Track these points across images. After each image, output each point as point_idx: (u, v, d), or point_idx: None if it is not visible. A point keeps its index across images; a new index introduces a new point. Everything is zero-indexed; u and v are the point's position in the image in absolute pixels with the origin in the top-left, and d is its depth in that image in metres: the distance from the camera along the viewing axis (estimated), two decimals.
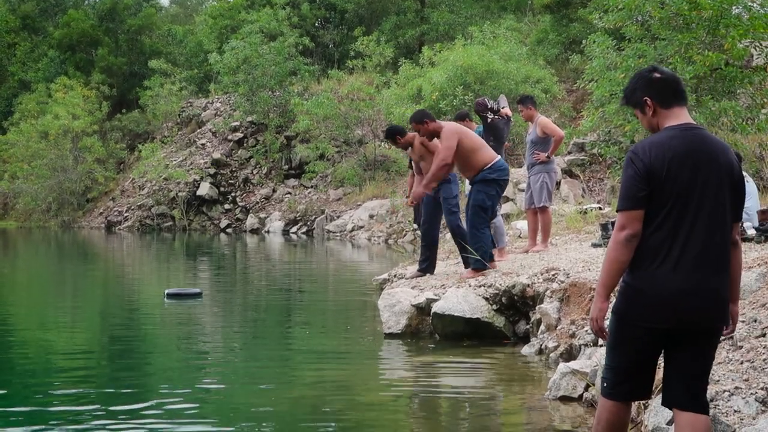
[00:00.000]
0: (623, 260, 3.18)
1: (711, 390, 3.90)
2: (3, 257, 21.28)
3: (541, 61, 25.43)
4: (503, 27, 27.80)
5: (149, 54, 41.50)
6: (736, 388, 4.01)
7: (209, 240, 26.47)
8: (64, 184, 35.67)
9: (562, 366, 5.41)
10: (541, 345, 6.73)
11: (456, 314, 7.34)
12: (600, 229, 9.48)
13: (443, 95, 22.59)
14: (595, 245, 9.14)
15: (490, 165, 8.05)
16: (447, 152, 7.90)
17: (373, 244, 21.86)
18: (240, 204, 31.57)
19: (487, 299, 7.47)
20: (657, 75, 3.29)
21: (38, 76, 40.63)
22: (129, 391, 5.95)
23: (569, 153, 19.31)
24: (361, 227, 24.46)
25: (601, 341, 5.41)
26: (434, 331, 7.60)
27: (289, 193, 30.72)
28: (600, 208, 13.02)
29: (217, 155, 32.52)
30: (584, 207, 13.19)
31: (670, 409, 3.35)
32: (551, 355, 6.37)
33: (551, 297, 6.98)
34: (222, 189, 31.95)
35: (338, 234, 25.18)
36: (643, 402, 4.18)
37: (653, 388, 3.50)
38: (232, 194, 31.93)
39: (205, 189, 31.65)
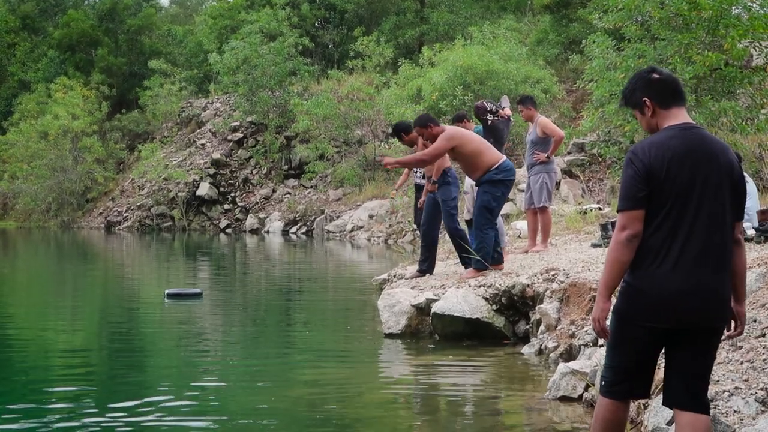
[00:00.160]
0: (624, 260, 3.18)
1: (711, 390, 3.90)
2: (3, 257, 21.28)
3: (540, 62, 25.43)
4: (503, 27, 27.80)
5: (149, 54, 41.51)
6: (736, 388, 4.01)
7: (209, 240, 26.47)
8: (63, 184, 35.67)
9: (562, 366, 5.41)
10: (540, 345, 6.73)
11: (456, 314, 7.34)
12: (600, 229, 9.48)
13: (443, 95, 22.59)
14: (594, 245, 9.14)
15: (496, 166, 8.03)
16: (432, 152, 7.93)
17: (373, 245, 21.86)
18: (240, 204, 31.57)
19: (486, 299, 7.47)
20: (656, 76, 3.30)
21: (38, 76, 40.63)
22: (128, 389, 5.95)
23: (569, 153, 19.32)
24: (361, 227, 24.47)
25: (601, 341, 5.42)
26: (434, 332, 7.60)
27: (289, 193, 30.72)
28: (600, 209, 13.03)
29: (216, 155, 32.53)
30: (584, 207, 13.20)
31: (671, 408, 3.35)
32: (551, 355, 6.37)
33: (551, 297, 6.98)
34: (222, 189, 31.96)
35: (338, 234, 25.18)
36: (643, 402, 4.18)
37: (653, 387, 3.50)
38: (232, 194, 31.93)
39: (204, 189, 31.66)
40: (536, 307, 7.18)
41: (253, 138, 33.24)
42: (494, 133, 9.67)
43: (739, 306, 3.35)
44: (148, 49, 42.42)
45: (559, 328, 6.60)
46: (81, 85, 38.27)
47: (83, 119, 36.04)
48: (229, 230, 30.45)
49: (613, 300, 3.32)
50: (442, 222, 8.81)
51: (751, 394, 3.92)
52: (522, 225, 12.42)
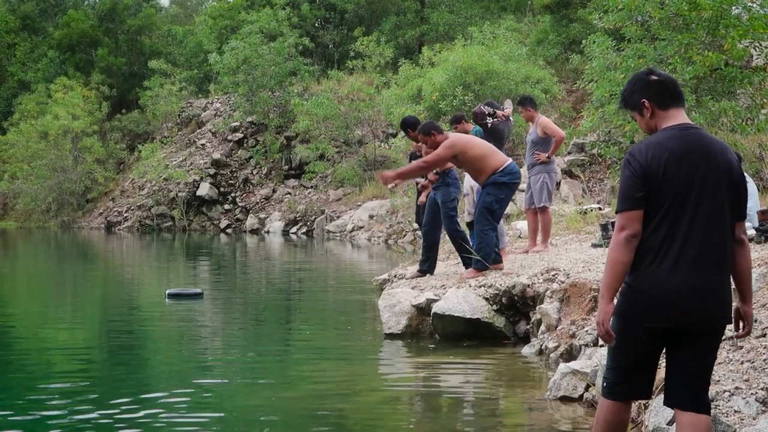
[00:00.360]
0: (624, 261, 3.19)
1: (711, 390, 3.90)
2: (3, 257, 21.28)
3: (540, 62, 25.42)
4: (503, 27, 27.80)
5: (149, 54, 41.53)
6: (737, 388, 4.01)
7: (209, 240, 26.48)
8: (63, 184, 35.68)
9: (563, 366, 5.41)
10: (541, 345, 6.73)
11: (456, 314, 7.34)
12: (600, 229, 9.48)
13: (443, 95, 22.58)
14: (595, 245, 9.14)
15: (501, 169, 8.02)
16: (434, 158, 7.89)
17: (373, 245, 21.86)
18: (240, 204, 31.58)
19: (487, 299, 7.48)
20: (654, 77, 3.31)
21: (38, 76, 40.64)
22: (129, 388, 5.95)
23: (569, 153, 19.32)
24: (361, 227, 24.47)
25: (601, 341, 5.42)
26: (434, 332, 7.60)
27: (289, 193, 30.73)
28: (600, 209, 13.02)
29: (216, 155, 32.54)
30: (584, 207, 13.20)
31: (672, 408, 3.36)
32: (551, 355, 6.37)
33: (551, 297, 6.98)
34: (222, 189, 31.97)
35: (338, 234, 25.18)
36: (644, 402, 4.19)
37: (654, 388, 3.50)
38: (232, 194, 31.94)
39: (204, 189, 31.67)
40: (537, 307, 7.18)
41: (253, 138, 33.25)
42: (495, 134, 9.68)
43: (746, 306, 3.34)
44: (148, 49, 42.43)
45: (559, 328, 6.60)
46: (81, 85, 38.29)
47: (83, 119, 36.06)
48: (229, 230, 30.45)
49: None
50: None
51: (752, 394, 3.93)
52: (522, 225, 12.42)
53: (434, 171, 8.55)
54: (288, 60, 32.12)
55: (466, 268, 8.44)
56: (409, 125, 9.32)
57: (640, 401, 4.19)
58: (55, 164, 35.87)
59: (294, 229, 28.10)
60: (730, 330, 3.62)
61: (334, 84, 31.60)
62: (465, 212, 9.99)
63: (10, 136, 37.58)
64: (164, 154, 34.05)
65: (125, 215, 32.76)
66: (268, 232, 28.61)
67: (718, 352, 4.31)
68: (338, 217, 26.56)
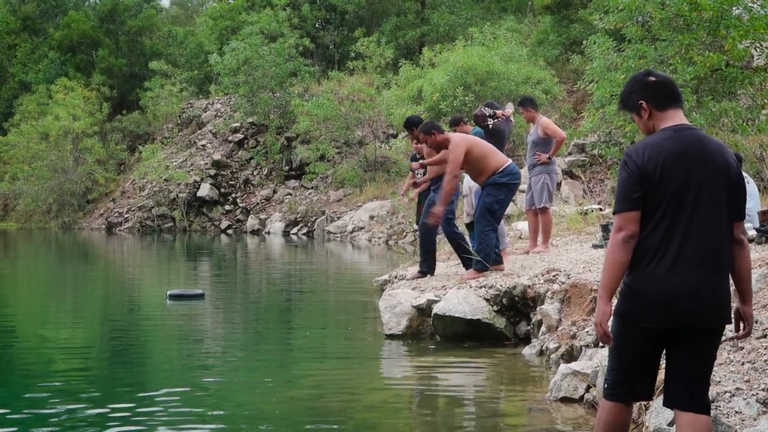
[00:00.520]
0: (622, 261, 3.19)
1: (712, 391, 3.90)
2: (4, 258, 21.29)
3: (541, 62, 25.42)
4: (503, 28, 27.79)
5: (150, 55, 41.55)
6: (737, 389, 4.01)
7: (210, 241, 26.48)
8: (64, 185, 35.70)
9: (563, 367, 5.41)
10: (542, 346, 6.73)
11: (457, 315, 7.34)
12: (601, 230, 9.48)
13: (444, 96, 22.59)
14: (595, 246, 9.14)
15: (501, 169, 8.05)
16: (454, 165, 7.90)
17: (374, 245, 21.86)
18: (240, 205, 31.59)
19: (487, 300, 7.47)
20: (652, 78, 3.32)
21: (39, 77, 40.67)
22: (129, 388, 5.96)
23: (570, 154, 19.32)
24: (362, 228, 24.47)
25: (601, 342, 5.42)
26: (435, 333, 7.60)
27: (290, 194, 30.74)
28: (600, 209, 13.02)
29: (217, 156, 32.55)
30: (585, 208, 13.19)
31: (671, 409, 3.36)
32: (552, 356, 6.37)
33: (552, 298, 6.98)
34: (222, 190, 31.98)
35: (338, 235, 25.19)
36: (645, 403, 4.18)
37: (654, 389, 3.50)
38: (233, 195, 31.95)
39: (205, 190, 31.68)
40: (537, 308, 7.18)
41: (253, 139, 33.26)
42: (496, 135, 9.68)
43: (746, 307, 3.34)
44: (149, 50, 42.46)
45: (560, 329, 6.60)
46: (82, 86, 38.32)
47: (84, 120, 36.08)
48: (229, 231, 30.46)
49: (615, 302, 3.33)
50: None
51: (753, 394, 3.92)
52: (523, 226, 12.42)
53: (420, 161, 8.68)
54: (288, 61, 32.14)
55: (466, 269, 8.44)
56: (413, 124, 9.31)
57: (641, 402, 4.19)
58: (56, 165, 35.89)
59: (294, 230, 28.10)
60: (730, 331, 3.62)
61: (335, 85, 31.61)
62: (464, 213, 9.99)
63: (11, 137, 37.61)
64: (165, 155, 34.07)
65: (126, 216, 32.77)
66: (268, 232, 28.62)
67: (719, 353, 4.32)
68: (339, 218, 26.56)
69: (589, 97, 16.32)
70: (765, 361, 4.30)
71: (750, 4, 12.61)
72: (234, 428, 4.97)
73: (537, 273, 7.70)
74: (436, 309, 7.48)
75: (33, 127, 36.50)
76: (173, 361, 7.39)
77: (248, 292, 12.99)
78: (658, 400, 3.89)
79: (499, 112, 9.84)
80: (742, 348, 4.54)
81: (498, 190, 8.07)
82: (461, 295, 7.50)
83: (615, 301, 3.33)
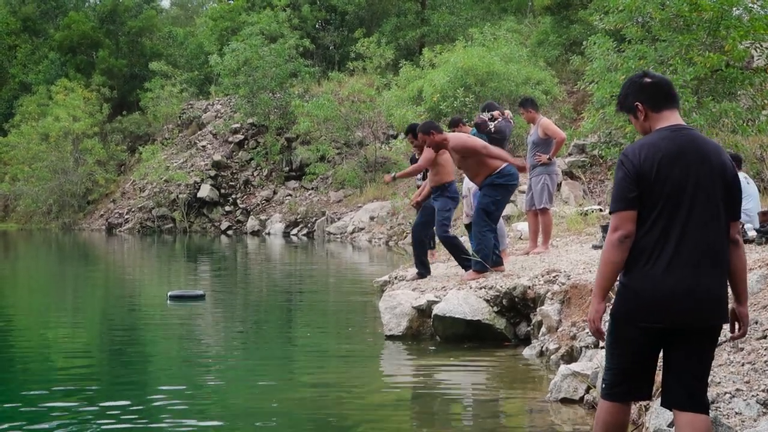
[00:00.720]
0: (617, 261, 3.20)
1: (712, 392, 3.90)
2: (4, 259, 21.29)
3: (541, 63, 25.42)
4: (504, 28, 27.80)
5: (150, 56, 41.55)
6: (737, 390, 4.01)
7: (210, 242, 26.48)
8: (64, 186, 35.70)
9: (563, 368, 5.41)
10: (542, 347, 6.72)
11: (457, 316, 7.34)
12: (601, 230, 9.48)
13: (444, 97, 22.59)
14: (596, 247, 9.14)
15: (498, 170, 8.08)
16: (426, 161, 8.30)
17: (374, 246, 21.86)
18: (240, 206, 31.59)
19: (487, 301, 7.47)
20: (647, 80, 3.33)
21: (39, 78, 40.67)
22: (130, 389, 5.97)
23: (570, 154, 19.32)
24: (362, 229, 24.47)
25: (602, 343, 5.42)
26: (435, 333, 7.60)
27: (290, 194, 30.73)
28: (601, 210, 13.02)
29: (217, 157, 32.55)
30: (585, 208, 13.20)
31: (670, 409, 3.36)
32: (552, 357, 6.37)
33: (552, 299, 6.98)
34: (222, 191, 31.98)
35: (339, 236, 25.18)
36: (645, 403, 4.18)
37: (654, 389, 3.50)
38: (233, 196, 31.95)
39: (205, 191, 31.68)
40: (537, 309, 7.18)
41: (253, 140, 33.27)
42: (499, 137, 9.69)
43: (741, 307, 3.34)
44: (149, 51, 42.45)
45: (560, 329, 6.60)
46: (82, 87, 38.32)
47: (84, 121, 36.08)
48: (230, 232, 30.46)
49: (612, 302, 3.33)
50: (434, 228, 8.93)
51: (753, 395, 3.92)
52: (523, 226, 12.42)
53: (430, 181, 8.76)
54: (288, 61, 32.14)
55: (466, 270, 8.44)
56: (415, 129, 9.28)
57: (640, 402, 4.19)
58: (56, 166, 35.89)
59: (295, 231, 28.10)
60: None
61: (335, 85, 31.61)
62: (463, 214, 9.99)
63: (11, 137, 37.61)
64: (165, 156, 34.07)
65: (126, 217, 32.78)
66: (268, 233, 28.62)
67: (719, 354, 4.32)
68: (339, 219, 26.56)
69: (590, 97, 16.33)
70: (765, 362, 4.29)
71: (750, 5, 12.62)
72: (234, 428, 4.97)
73: (537, 274, 7.70)
74: (437, 310, 7.48)
75: (33, 128, 36.51)
76: (173, 361, 7.39)
77: (248, 292, 12.99)
78: (658, 401, 3.89)
79: (496, 112, 9.84)
80: (742, 349, 4.53)
81: (495, 190, 8.10)
82: (461, 296, 7.50)
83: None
